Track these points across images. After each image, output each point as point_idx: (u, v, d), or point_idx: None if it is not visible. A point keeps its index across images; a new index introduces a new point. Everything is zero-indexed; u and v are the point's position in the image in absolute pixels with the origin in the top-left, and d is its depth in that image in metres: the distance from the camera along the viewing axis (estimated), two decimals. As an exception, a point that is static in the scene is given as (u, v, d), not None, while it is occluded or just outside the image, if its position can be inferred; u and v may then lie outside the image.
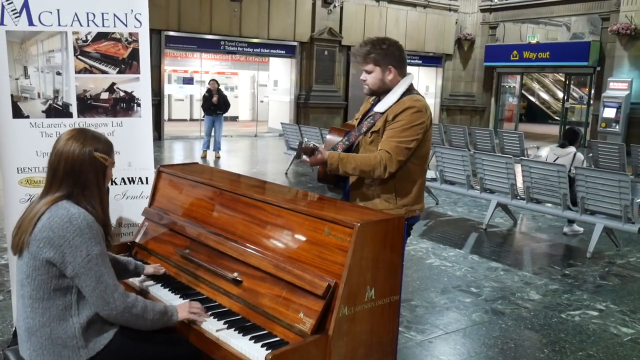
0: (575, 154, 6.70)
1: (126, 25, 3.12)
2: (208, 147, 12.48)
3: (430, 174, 8.15)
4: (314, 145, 2.64)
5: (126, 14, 3.11)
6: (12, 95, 3.07)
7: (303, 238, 2.26)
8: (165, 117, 17.09)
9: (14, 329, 3.19)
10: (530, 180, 6.42)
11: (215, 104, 12.00)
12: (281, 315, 2.15)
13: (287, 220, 2.35)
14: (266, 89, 20.13)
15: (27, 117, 3.11)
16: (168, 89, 17.20)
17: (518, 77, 21.04)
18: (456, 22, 20.48)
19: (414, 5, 19.46)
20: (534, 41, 18.75)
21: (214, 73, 19.29)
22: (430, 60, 20.56)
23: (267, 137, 17.40)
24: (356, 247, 2.05)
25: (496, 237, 6.68)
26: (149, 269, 2.62)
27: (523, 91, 22.16)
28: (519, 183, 6.91)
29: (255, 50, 17.20)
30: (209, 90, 12.17)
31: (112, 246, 2.45)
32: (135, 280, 2.62)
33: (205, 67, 19.42)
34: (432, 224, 7.19)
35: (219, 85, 12.34)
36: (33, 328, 2.03)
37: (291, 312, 2.12)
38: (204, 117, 12.62)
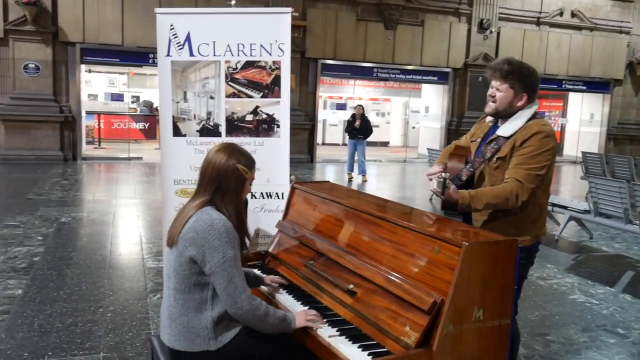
0: None
1: (270, 54, 3.45)
2: (352, 170, 12.86)
3: (582, 205, 7.64)
4: (447, 181, 2.55)
5: (271, 44, 3.44)
6: (173, 117, 3.54)
7: (414, 254, 2.33)
8: (319, 141, 17.86)
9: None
10: (700, 217, 5.77)
11: (357, 129, 12.40)
12: (389, 327, 2.23)
13: (401, 236, 2.44)
14: (418, 115, 20.18)
15: (184, 135, 3.55)
16: (323, 114, 17.99)
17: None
18: (628, 45, 18.95)
19: (579, 28, 18.38)
20: None
21: (367, 99, 19.83)
22: (596, 85, 19.19)
23: (416, 163, 17.40)
24: (463, 266, 2.08)
25: (656, 278, 6.08)
26: (267, 280, 2.81)
27: None
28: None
29: (407, 76, 17.39)
30: (353, 115, 12.62)
31: (246, 251, 2.69)
32: (263, 287, 2.85)
33: (359, 93, 20.02)
34: (582, 258, 6.72)
35: (363, 110, 12.72)
36: (174, 315, 2.33)
37: (398, 325, 2.20)
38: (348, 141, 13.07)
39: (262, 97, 3.49)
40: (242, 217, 2.49)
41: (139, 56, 14.52)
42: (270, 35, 3.43)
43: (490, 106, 2.80)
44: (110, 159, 14.50)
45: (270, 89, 3.48)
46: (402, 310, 2.23)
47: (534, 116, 2.76)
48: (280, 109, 3.51)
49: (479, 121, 3.10)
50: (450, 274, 2.12)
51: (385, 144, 21.36)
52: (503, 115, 2.80)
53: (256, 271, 2.90)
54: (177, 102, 3.52)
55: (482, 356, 2.21)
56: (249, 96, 3.49)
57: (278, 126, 3.52)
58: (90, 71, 17.83)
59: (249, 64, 3.46)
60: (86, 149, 15.19)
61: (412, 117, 20.71)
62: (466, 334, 2.14)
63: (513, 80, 2.72)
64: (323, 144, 19.52)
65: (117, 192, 9.86)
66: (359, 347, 2.23)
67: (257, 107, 3.49)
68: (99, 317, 4.22)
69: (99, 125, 17.39)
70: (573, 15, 18.24)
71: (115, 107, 18.15)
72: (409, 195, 11.43)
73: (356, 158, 12.79)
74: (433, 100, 18.41)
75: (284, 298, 2.76)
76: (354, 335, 2.32)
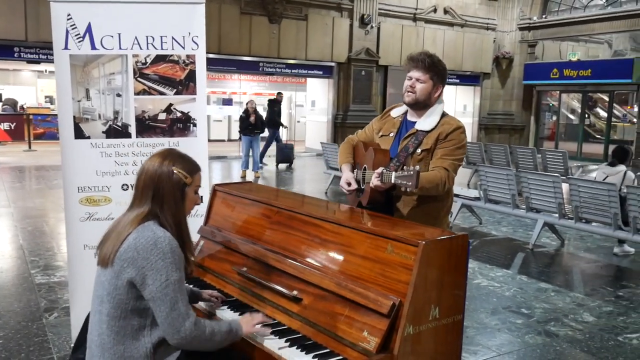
0: (625, 173, 6.54)
1: (184, 48, 3.20)
2: (247, 167, 12.63)
3: (473, 192, 8.05)
4: (412, 170, 2.53)
5: (184, 37, 3.19)
6: (74, 117, 3.18)
7: (364, 256, 2.25)
8: (205, 137, 17.36)
9: (73, 344, 3.25)
10: (579, 200, 6.28)
11: (253, 124, 12.21)
12: (344, 334, 2.14)
13: (347, 238, 2.35)
14: (303, 109, 20.31)
15: (88, 137, 3.20)
16: (208, 110, 17.50)
17: (560, 94, 20.70)
18: (494, 41, 20.36)
19: (451, 24, 19.44)
20: (574, 59, 18.48)
21: (251, 94, 19.60)
22: (468, 79, 20.44)
23: (304, 157, 17.48)
24: (421, 265, 2.03)
25: (544, 258, 6.53)
26: (205, 295, 2.58)
27: (563, 109, 21.76)
28: (566, 202, 6.77)
29: (293, 71, 17.42)
30: (245, 111, 12.39)
31: (191, 269, 2.37)
32: (201, 303, 2.62)
33: (244, 88, 19.74)
34: (477, 243, 7.08)
35: (256, 105, 12.56)
36: (107, 345, 2.05)
37: (354, 331, 2.11)
38: (240, 137, 12.82)
39: (175, 94, 3.24)
40: (183, 230, 2.21)
41: (2, 49, 13.23)
42: (183, 27, 3.18)
43: (409, 96, 2.88)
44: (-27, 164, 13.09)
45: (185, 85, 3.24)
46: (357, 315, 2.14)
47: (443, 112, 2.92)
48: (196, 106, 3.28)
49: (381, 116, 3.13)
50: (406, 274, 2.07)
51: (271, 139, 21.24)
52: (420, 105, 2.90)
53: (191, 286, 2.64)
54: (79, 101, 3.16)
55: (439, 354, 2.18)
56: (161, 93, 3.22)
57: (194, 125, 3.29)
58: (-59, 67, 15.98)
59: (160, 58, 3.19)
60: (-58, 154, 13.59)
61: (298, 111, 20.80)
62: (424, 334, 2.10)
63: (433, 72, 2.85)
64: (208, 140, 18.97)
65: (-14, 200, 8.89)
66: (313, 357, 2.11)
67: (171, 104, 3.23)
68: (-12, 345, 3.73)
69: (-45, 126, 15.66)
70: (445, 12, 19.24)
71: (-26, 106, 16.42)
72: (302, 189, 11.43)
73: (250, 154, 12.58)
74: (319, 94, 18.60)
75: (220, 311, 2.56)
76: (306, 345, 2.20)
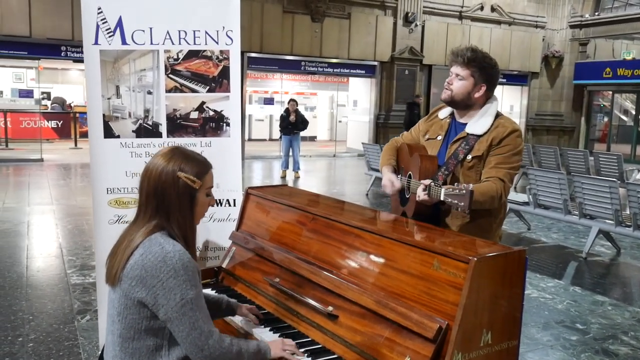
0: (689, 178, 6.09)
1: (217, 43, 3.04)
2: (287, 167, 12.50)
3: (521, 197, 7.68)
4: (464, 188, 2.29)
5: (217, 32, 3.03)
6: (103, 115, 3.05)
7: (408, 271, 2.02)
8: (246, 137, 17.37)
9: (100, 352, 3.14)
10: (638, 207, 5.86)
11: (293, 123, 12.05)
12: (384, 358, 1.92)
13: (388, 250, 2.13)
14: (345, 109, 20.10)
15: (118, 136, 3.07)
16: (249, 109, 17.50)
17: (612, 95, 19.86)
18: (543, 39, 19.69)
19: (499, 22, 18.88)
20: (629, 57, 17.67)
21: (293, 93, 19.52)
22: (515, 78, 19.82)
23: (345, 157, 17.26)
24: (472, 285, 1.79)
25: (598, 267, 6.14)
26: (243, 310, 2.36)
27: (616, 110, 20.86)
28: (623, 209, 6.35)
29: (335, 70, 17.22)
30: (286, 110, 12.25)
31: None
32: (235, 319, 2.43)
33: (286, 87, 19.67)
34: (526, 251, 6.72)
35: (297, 105, 12.41)
36: (122, 368, 1.89)
37: (395, 355, 1.89)
38: (281, 137, 12.69)
39: (208, 91, 3.07)
40: (189, 243, 1.95)
41: (50, 49, 13.49)
42: (217, 22, 3.02)
43: (445, 92, 2.64)
44: (20, 161, 13.37)
45: (218, 82, 3.07)
46: (398, 338, 1.91)
47: (497, 113, 2.64)
48: (230, 104, 3.10)
49: (428, 117, 2.88)
50: (454, 294, 1.83)
51: (312, 139, 21.12)
52: (460, 105, 2.64)
53: (230, 299, 2.43)
54: (109, 99, 3.04)
55: (491, 385, 1.93)
56: (194, 90, 3.06)
57: (228, 124, 3.11)
58: (-7, 65, 16.45)
59: (192, 54, 3.04)
60: (-8, 151, 13.95)
61: (339, 111, 20.61)
62: (475, 362, 1.86)
63: (474, 68, 2.57)
64: (249, 139, 19.02)
65: (30, 197, 9.00)
66: (349, 383, 1.90)
67: (203, 102, 3.07)
68: (19, 348, 3.66)
69: (5, 124, 16.04)
70: (493, 9, 18.70)
71: (23, 105, 16.83)
72: (342, 191, 11.22)
73: (290, 154, 12.45)
74: (361, 93, 18.35)
75: (248, 324, 2.38)
76: (341, 369, 1.99)
